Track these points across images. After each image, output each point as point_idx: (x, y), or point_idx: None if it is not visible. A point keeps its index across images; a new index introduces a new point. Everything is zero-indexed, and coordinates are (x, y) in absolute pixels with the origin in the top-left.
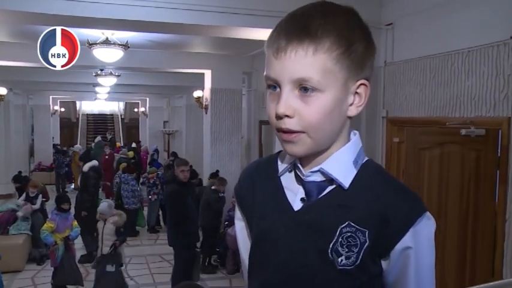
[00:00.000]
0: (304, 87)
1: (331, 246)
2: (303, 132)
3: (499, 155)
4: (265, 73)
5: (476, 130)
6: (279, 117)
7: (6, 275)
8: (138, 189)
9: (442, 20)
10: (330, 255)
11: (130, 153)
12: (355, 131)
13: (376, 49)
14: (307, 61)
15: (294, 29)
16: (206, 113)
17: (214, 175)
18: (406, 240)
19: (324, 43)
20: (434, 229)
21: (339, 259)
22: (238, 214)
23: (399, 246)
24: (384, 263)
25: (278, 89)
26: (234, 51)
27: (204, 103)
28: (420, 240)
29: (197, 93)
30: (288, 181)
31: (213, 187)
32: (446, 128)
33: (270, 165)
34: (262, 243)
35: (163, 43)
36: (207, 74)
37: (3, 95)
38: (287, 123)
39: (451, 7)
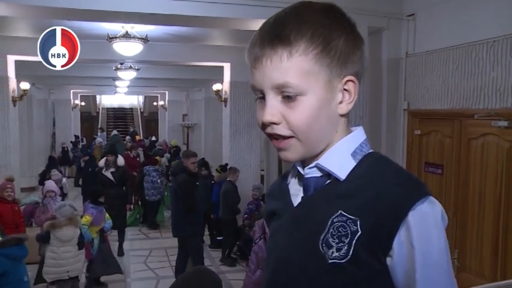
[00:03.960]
0: (287, 96)
1: (321, 237)
2: (293, 136)
3: None
4: (250, 82)
5: (504, 122)
6: (266, 125)
7: (30, 266)
8: (159, 181)
9: (466, 10)
10: (320, 248)
11: (174, 141)
12: (359, 126)
13: (363, 41)
14: (283, 66)
15: (267, 36)
16: (225, 106)
17: (224, 168)
18: (407, 227)
19: (298, 46)
20: (440, 214)
21: (330, 251)
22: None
23: (400, 236)
24: (388, 260)
25: (263, 97)
26: None
27: (223, 96)
28: (424, 226)
29: (216, 87)
30: (293, 186)
31: (228, 178)
32: (488, 119)
33: (285, 177)
34: (268, 247)
35: (183, 36)
36: (226, 67)
37: (27, 90)
38: (275, 129)
39: None
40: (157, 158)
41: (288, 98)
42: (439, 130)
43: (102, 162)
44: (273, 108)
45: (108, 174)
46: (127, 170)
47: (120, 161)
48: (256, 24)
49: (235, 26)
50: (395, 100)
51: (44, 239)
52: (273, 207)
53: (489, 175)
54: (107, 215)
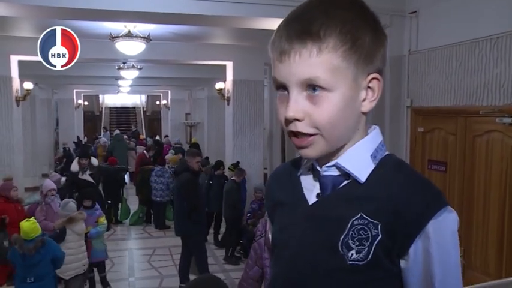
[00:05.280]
0: (312, 87)
1: (341, 239)
2: (316, 134)
3: None
4: (272, 75)
5: (509, 118)
6: (289, 121)
7: None
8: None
9: (469, 6)
10: (340, 249)
11: (194, 139)
12: (375, 126)
13: (387, 37)
14: (312, 62)
15: (295, 30)
16: (228, 105)
17: (237, 166)
18: (426, 236)
19: (327, 42)
20: (457, 224)
21: (349, 253)
22: (269, 224)
23: (418, 243)
24: (402, 263)
25: (286, 92)
26: (255, 42)
27: (226, 95)
28: (442, 235)
29: (219, 85)
30: (306, 180)
31: (232, 177)
32: (492, 116)
33: (294, 166)
34: (278, 241)
35: (185, 35)
36: (229, 66)
37: (30, 90)
38: (298, 127)
39: None
40: (166, 158)
41: (314, 90)
42: (442, 127)
43: (75, 167)
44: (297, 105)
45: (86, 177)
46: (100, 168)
47: (94, 161)
48: (259, 23)
49: (237, 24)
50: (398, 97)
51: (61, 236)
52: (280, 198)
53: (494, 172)
54: (102, 219)
